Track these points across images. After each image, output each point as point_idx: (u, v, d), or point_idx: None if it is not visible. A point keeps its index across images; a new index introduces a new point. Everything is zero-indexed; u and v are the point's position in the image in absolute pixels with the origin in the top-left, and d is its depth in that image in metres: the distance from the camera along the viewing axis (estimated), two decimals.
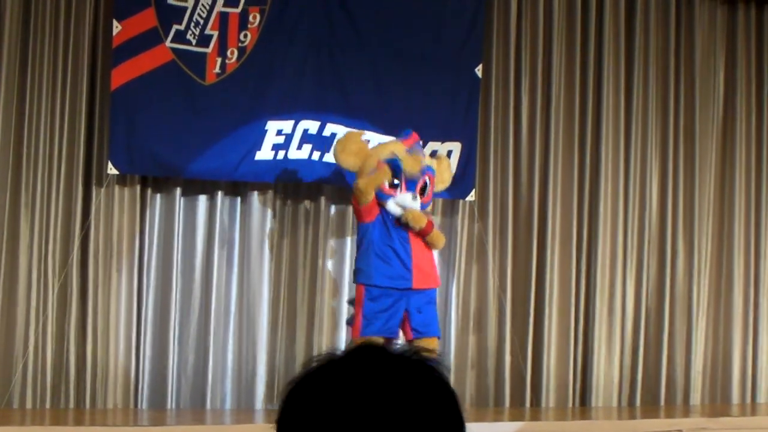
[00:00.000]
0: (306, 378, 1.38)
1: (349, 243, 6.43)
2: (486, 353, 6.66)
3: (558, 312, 6.78)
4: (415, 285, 5.59)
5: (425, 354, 1.41)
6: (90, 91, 6.07)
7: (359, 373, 1.36)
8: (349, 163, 5.62)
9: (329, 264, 6.41)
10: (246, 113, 6.06)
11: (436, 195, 5.97)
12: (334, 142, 5.78)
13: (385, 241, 5.54)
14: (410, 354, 1.40)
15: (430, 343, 5.63)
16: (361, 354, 1.39)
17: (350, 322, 5.75)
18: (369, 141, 5.81)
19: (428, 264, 5.71)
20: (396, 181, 5.53)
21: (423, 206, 5.68)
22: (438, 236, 5.71)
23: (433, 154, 6.09)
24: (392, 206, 5.54)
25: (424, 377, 1.37)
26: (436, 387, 1.38)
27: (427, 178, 5.66)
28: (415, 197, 5.56)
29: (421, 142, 5.77)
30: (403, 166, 5.51)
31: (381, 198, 5.54)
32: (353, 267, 5.81)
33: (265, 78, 6.11)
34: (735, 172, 7.26)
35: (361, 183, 5.50)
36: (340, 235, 6.45)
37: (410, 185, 5.57)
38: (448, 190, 6.16)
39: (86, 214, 6.01)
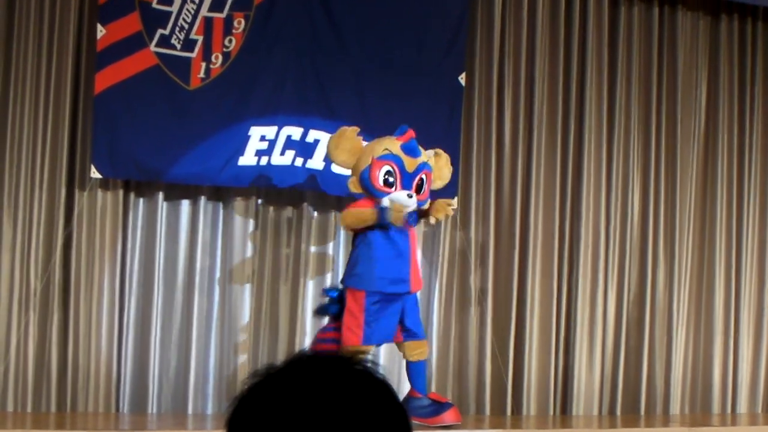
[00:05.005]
0: (249, 395, 1.38)
1: (331, 249, 6.45)
2: (467, 361, 6.67)
3: (539, 320, 6.80)
4: (412, 289, 5.54)
5: (360, 357, 1.41)
6: (74, 95, 6.07)
7: (305, 384, 1.35)
8: (343, 159, 5.49)
9: (311, 270, 6.41)
10: (229, 118, 6.06)
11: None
12: (329, 138, 5.67)
13: (385, 243, 5.41)
14: (347, 359, 1.40)
15: (420, 346, 5.62)
16: (301, 364, 1.39)
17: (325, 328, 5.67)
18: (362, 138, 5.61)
19: (417, 267, 5.62)
20: (391, 179, 5.41)
21: (420, 203, 5.55)
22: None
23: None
24: (388, 204, 5.42)
25: (368, 381, 1.38)
26: (381, 390, 1.38)
27: (423, 175, 5.52)
28: (411, 195, 5.42)
29: (415, 140, 5.56)
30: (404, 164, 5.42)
31: (377, 195, 5.43)
32: (347, 271, 5.59)
33: (248, 83, 6.11)
34: (716, 183, 7.30)
35: (348, 218, 5.43)
36: (323, 240, 6.45)
37: (406, 183, 5.44)
38: (431, 196, 6.12)
39: (69, 217, 6.01)
